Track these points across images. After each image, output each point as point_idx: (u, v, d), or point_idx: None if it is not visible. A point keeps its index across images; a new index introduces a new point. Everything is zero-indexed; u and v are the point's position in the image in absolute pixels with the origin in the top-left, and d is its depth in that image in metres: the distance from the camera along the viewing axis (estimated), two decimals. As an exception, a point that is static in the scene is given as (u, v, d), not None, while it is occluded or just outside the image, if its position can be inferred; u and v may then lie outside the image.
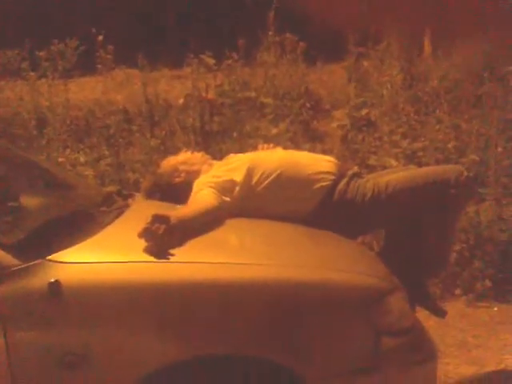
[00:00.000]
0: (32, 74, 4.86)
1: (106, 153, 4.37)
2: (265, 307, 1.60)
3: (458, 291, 3.29)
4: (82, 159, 4.23)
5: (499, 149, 3.91)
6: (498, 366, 2.59)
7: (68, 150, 4.33)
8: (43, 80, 4.90)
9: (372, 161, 4.16)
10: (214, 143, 4.50)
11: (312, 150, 4.18)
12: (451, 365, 2.58)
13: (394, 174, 2.31)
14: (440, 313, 2.34)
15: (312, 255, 1.83)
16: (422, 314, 2.32)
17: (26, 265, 1.57)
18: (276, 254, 1.79)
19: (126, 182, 4.07)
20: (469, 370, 2.56)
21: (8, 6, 5.97)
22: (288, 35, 5.25)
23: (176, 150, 3.92)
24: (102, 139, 4.52)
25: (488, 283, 3.25)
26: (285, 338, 1.59)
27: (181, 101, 4.96)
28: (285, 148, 3.07)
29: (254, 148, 3.06)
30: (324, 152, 4.12)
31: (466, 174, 2.22)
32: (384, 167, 3.82)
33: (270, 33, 5.26)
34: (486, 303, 3.19)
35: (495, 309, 3.14)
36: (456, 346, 2.76)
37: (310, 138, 4.63)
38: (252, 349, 1.58)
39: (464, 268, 3.34)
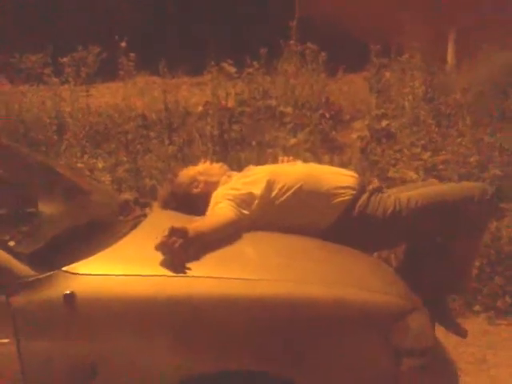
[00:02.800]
0: (55, 79, 4.91)
1: (124, 159, 4.38)
2: (282, 324, 1.57)
3: (477, 308, 3.22)
4: (99, 165, 4.25)
5: (522, 164, 3.83)
6: (517, 385, 2.53)
7: (86, 156, 4.35)
8: (65, 86, 4.95)
9: (391, 173, 4.11)
10: (233, 152, 4.49)
11: (331, 160, 4.15)
12: (469, 383, 2.51)
13: (417, 190, 2.26)
14: (461, 332, 2.28)
15: (331, 272, 1.79)
16: (441, 331, 2.27)
17: (41, 275, 1.56)
18: (294, 269, 1.75)
19: (143, 188, 4.08)
20: (487, 389, 2.49)
21: (32, 11, 6.06)
22: (309, 45, 5.23)
23: (194, 158, 3.92)
24: (120, 145, 4.54)
25: (509, 300, 3.18)
26: (303, 357, 1.55)
27: (200, 108, 4.96)
28: (304, 159, 3.05)
29: (273, 157, 3.04)
30: (343, 163, 4.09)
31: (490, 191, 2.17)
32: (403, 180, 3.78)
33: (292, 42, 5.25)
34: (507, 321, 3.11)
35: (516, 327, 3.06)
36: (475, 364, 2.69)
37: (328, 149, 4.59)
38: (267, 366, 1.55)
39: (484, 284, 3.27)
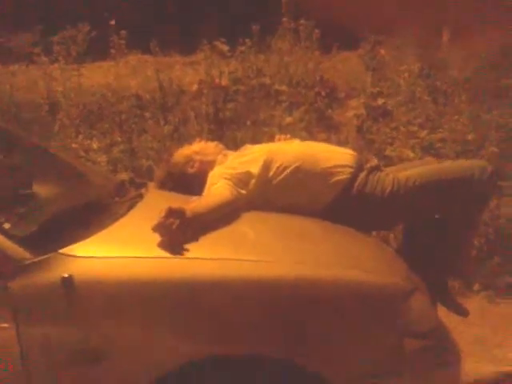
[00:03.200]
0: (44, 58, 4.82)
1: (119, 139, 4.32)
2: (282, 306, 1.56)
3: (477, 286, 3.23)
4: (94, 145, 4.19)
5: (520, 141, 3.81)
6: (517, 364, 2.54)
7: (81, 136, 4.29)
8: (56, 65, 4.86)
9: (388, 151, 4.08)
10: (228, 131, 4.44)
11: (327, 139, 4.11)
12: (470, 363, 2.52)
13: (415, 169, 2.24)
14: (462, 311, 2.28)
15: (330, 253, 1.77)
16: (441, 311, 2.27)
17: (38, 258, 1.53)
18: (293, 250, 1.73)
19: (138, 168, 4.03)
20: (488, 368, 2.50)
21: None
22: (303, 22, 5.15)
23: (189, 137, 3.88)
24: (114, 125, 4.47)
25: (508, 278, 3.18)
26: (307, 340, 1.54)
27: (194, 87, 4.89)
28: (300, 138, 3.01)
29: (268, 136, 3.00)
30: (339, 142, 4.05)
31: (490, 169, 2.15)
32: (400, 158, 3.75)
33: (285, 19, 5.16)
34: (506, 299, 3.12)
35: (515, 305, 3.07)
36: (475, 344, 2.69)
37: (324, 127, 4.55)
38: (273, 350, 1.53)
39: (483, 263, 3.27)
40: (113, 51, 4.91)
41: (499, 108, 4.22)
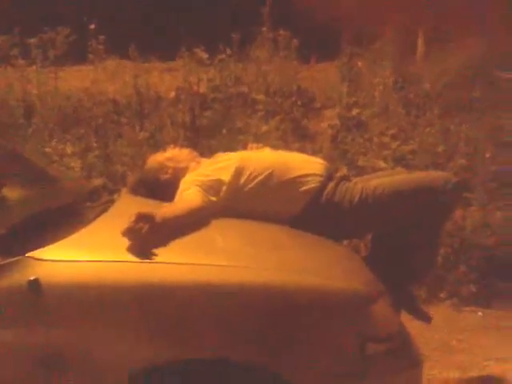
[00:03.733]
0: (22, 61, 4.78)
1: (94, 144, 4.32)
2: (248, 311, 1.59)
3: (442, 295, 3.31)
4: (68, 150, 4.17)
5: (487, 154, 3.92)
6: (481, 371, 2.60)
7: (55, 140, 4.27)
8: (33, 67, 4.83)
9: (361, 162, 4.16)
10: (204, 138, 4.47)
11: (301, 148, 4.17)
12: (435, 369, 2.59)
13: (383, 178, 2.30)
14: (425, 318, 2.34)
15: (297, 259, 1.81)
16: (407, 318, 2.32)
17: (5, 261, 1.54)
18: (260, 256, 1.77)
19: (113, 174, 4.03)
20: (453, 374, 2.57)
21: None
22: (281, 32, 5.22)
23: (165, 144, 3.89)
24: (90, 130, 4.46)
25: (472, 288, 3.27)
26: (269, 342, 1.57)
27: (172, 94, 4.91)
28: (274, 146, 3.06)
29: (244, 145, 3.04)
30: (313, 151, 4.11)
31: (453, 181, 2.22)
32: (373, 168, 3.83)
33: (264, 29, 5.22)
34: (471, 307, 3.21)
35: (479, 313, 3.16)
36: (440, 350, 2.77)
37: (299, 137, 4.61)
38: (236, 352, 1.56)
39: (449, 272, 3.35)
40: (91, 56, 4.90)
41: (469, 122, 4.34)
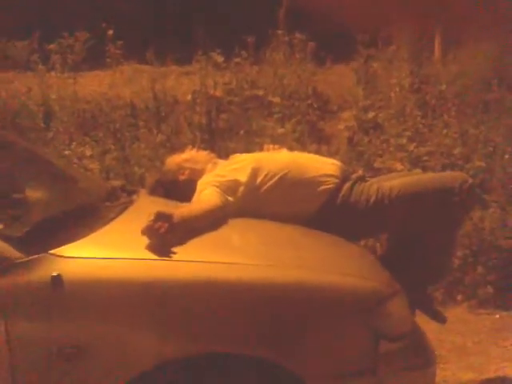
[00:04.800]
0: (41, 66, 4.87)
1: (112, 147, 4.38)
2: (265, 308, 1.61)
3: (459, 297, 3.29)
4: (87, 153, 4.24)
5: (506, 156, 3.90)
6: (496, 372, 2.59)
7: (74, 144, 4.34)
8: (52, 73, 4.91)
9: (378, 164, 4.16)
10: (221, 141, 4.50)
11: (318, 151, 4.18)
12: (450, 370, 2.58)
13: (399, 179, 2.31)
14: (440, 319, 2.34)
15: (313, 257, 1.83)
16: (423, 319, 2.32)
17: (28, 258, 1.58)
18: (277, 255, 1.79)
19: (131, 176, 4.09)
20: (467, 376, 2.56)
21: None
22: (297, 35, 5.24)
23: (182, 147, 3.93)
24: (108, 133, 4.52)
25: (490, 289, 3.24)
26: (284, 339, 1.60)
27: (188, 97, 4.96)
28: (290, 148, 3.08)
29: (260, 147, 3.07)
30: (330, 153, 4.12)
31: (470, 181, 2.22)
32: (389, 170, 3.82)
33: (280, 32, 5.25)
34: (488, 310, 3.18)
35: (497, 316, 3.13)
36: (456, 352, 2.76)
37: (316, 139, 4.63)
38: (251, 348, 1.58)
39: (466, 274, 3.33)
40: (109, 60, 4.98)
41: (486, 123, 4.31)
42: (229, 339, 1.59)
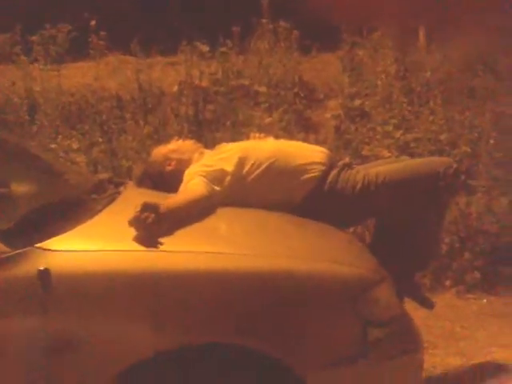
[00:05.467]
0: (24, 58, 4.81)
1: (99, 139, 4.35)
2: (252, 297, 1.61)
3: (448, 282, 3.32)
4: (74, 146, 4.21)
5: (491, 141, 3.92)
6: (485, 357, 2.61)
7: (60, 137, 4.30)
8: (35, 65, 4.85)
9: (365, 151, 4.17)
10: (208, 131, 4.49)
11: (305, 139, 4.17)
12: (439, 356, 2.61)
13: (385, 166, 2.32)
14: (428, 304, 2.36)
15: (300, 245, 1.84)
16: (411, 305, 2.34)
17: (15, 252, 1.57)
18: (265, 244, 1.80)
19: (119, 169, 4.06)
20: (456, 361, 2.58)
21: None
22: (282, 23, 5.22)
23: (169, 138, 3.92)
24: (94, 126, 4.49)
25: (477, 275, 3.28)
26: (272, 328, 1.60)
27: (175, 88, 4.93)
28: (277, 137, 3.08)
29: (247, 137, 3.06)
30: (317, 142, 4.12)
31: (454, 166, 2.24)
32: (377, 158, 3.83)
33: (264, 20, 5.22)
34: (476, 295, 3.22)
35: (484, 301, 3.17)
36: (444, 337, 2.78)
37: (303, 128, 4.63)
38: (239, 338, 1.59)
39: (454, 260, 3.36)
40: (92, 52, 4.92)
41: (472, 109, 4.34)
42: (217, 329, 1.59)
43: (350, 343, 1.64)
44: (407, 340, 1.77)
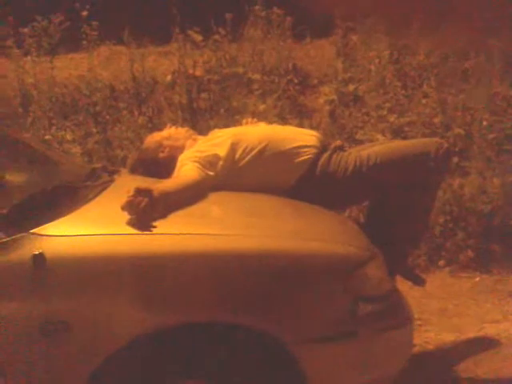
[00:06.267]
0: (16, 51, 4.80)
1: (94, 130, 4.35)
2: (246, 276, 1.64)
3: (441, 262, 3.36)
4: (68, 137, 4.21)
5: (484, 123, 3.94)
6: (477, 333, 2.66)
7: (54, 128, 4.31)
8: (28, 57, 4.84)
9: (359, 135, 4.19)
10: (202, 120, 4.49)
11: (300, 125, 4.19)
12: (432, 332, 2.65)
13: (376, 147, 2.34)
14: (419, 281, 2.40)
15: (292, 226, 1.87)
16: (406, 285, 2.38)
17: (9, 238, 1.59)
18: (258, 225, 1.82)
19: (114, 158, 4.08)
20: (449, 337, 2.63)
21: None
22: (275, 10, 5.20)
23: (164, 127, 3.94)
24: (88, 116, 4.49)
25: (470, 254, 3.31)
26: (266, 305, 1.63)
27: (168, 77, 4.93)
28: (272, 123, 3.09)
29: (241, 124, 3.08)
30: (312, 127, 4.13)
31: (445, 146, 2.26)
32: (371, 142, 3.86)
33: (257, 7, 5.21)
34: (469, 273, 3.26)
35: (477, 279, 3.21)
36: (438, 314, 2.83)
37: (297, 114, 4.63)
38: (233, 316, 1.62)
39: (448, 239, 3.40)
40: (85, 42, 4.91)
41: (465, 91, 4.35)
42: (209, 308, 1.62)
43: (341, 319, 1.67)
44: (397, 315, 1.80)
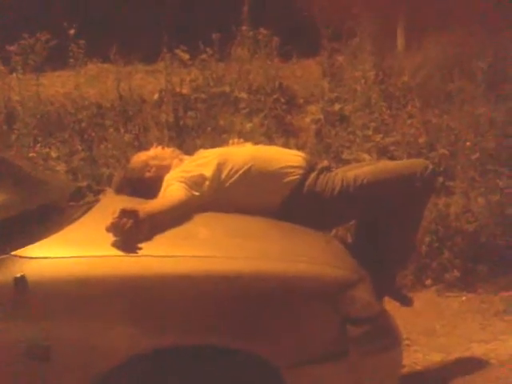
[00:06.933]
0: (2, 68, 4.78)
1: (79, 148, 4.33)
2: (233, 299, 1.62)
3: (428, 281, 3.36)
4: (53, 154, 4.18)
5: (468, 143, 3.99)
6: (464, 352, 2.66)
7: (39, 145, 4.27)
8: (14, 74, 4.82)
9: (345, 155, 4.22)
10: (189, 138, 4.49)
11: (286, 144, 4.21)
12: (420, 352, 2.65)
13: (362, 168, 2.35)
14: (406, 302, 2.40)
15: (280, 248, 1.85)
16: (393, 304, 2.38)
17: (-10, 260, 1.57)
18: (245, 246, 1.81)
19: (99, 177, 4.04)
20: (437, 357, 2.62)
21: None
22: (262, 30, 5.25)
23: (150, 146, 3.92)
24: (74, 134, 4.47)
25: (456, 273, 3.33)
26: (254, 328, 1.62)
27: (155, 96, 4.93)
28: (258, 143, 3.10)
29: (227, 143, 3.09)
30: (298, 147, 4.16)
31: (431, 167, 2.28)
32: (357, 161, 3.87)
33: (244, 27, 5.25)
34: (455, 293, 3.27)
35: (463, 298, 3.22)
36: (425, 334, 2.82)
37: (284, 133, 4.66)
38: (222, 339, 1.60)
39: (434, 259, 3.41)
40: (72, 61, 4.90)
41: (449, 112, 4.41)
42: (197, 331, 1.60)
43: (330, 341, 1.66)
44: (386, 337, 1.79)
